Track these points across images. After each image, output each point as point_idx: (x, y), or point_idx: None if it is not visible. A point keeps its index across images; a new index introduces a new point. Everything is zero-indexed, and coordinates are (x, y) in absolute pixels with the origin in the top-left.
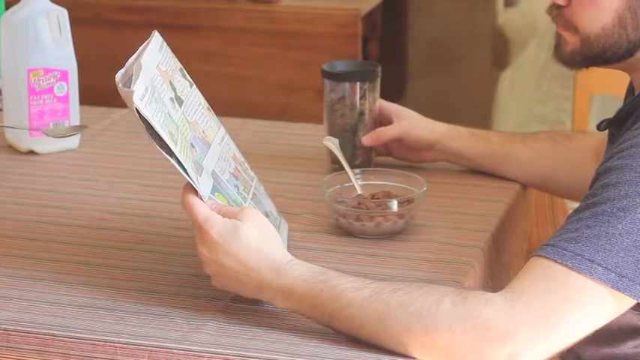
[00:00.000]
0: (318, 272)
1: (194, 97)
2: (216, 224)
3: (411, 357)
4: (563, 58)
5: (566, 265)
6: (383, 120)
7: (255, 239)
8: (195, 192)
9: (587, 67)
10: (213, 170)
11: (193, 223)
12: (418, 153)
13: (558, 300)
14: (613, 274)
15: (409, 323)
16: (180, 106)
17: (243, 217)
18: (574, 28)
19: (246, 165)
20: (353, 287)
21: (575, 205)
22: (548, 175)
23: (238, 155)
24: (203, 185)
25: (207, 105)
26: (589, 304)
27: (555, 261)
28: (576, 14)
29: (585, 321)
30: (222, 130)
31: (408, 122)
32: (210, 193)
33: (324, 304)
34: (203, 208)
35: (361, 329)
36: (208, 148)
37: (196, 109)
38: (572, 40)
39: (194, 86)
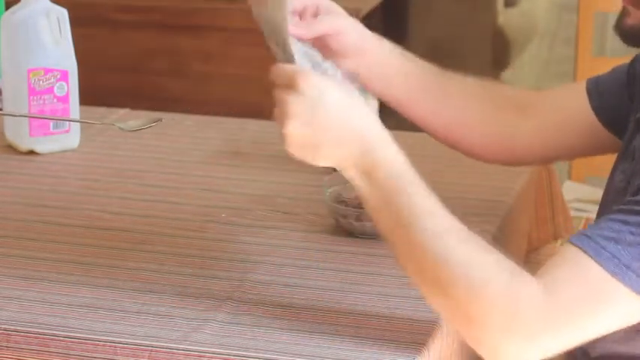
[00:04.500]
0: (409, 175)
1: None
2: (312, 75)
3: (441, 311)
4: (622, 31)
5: (602, 265)
6: (306, 14)
7: (354, 104)
8: None
9: None
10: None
11: (283, 80)
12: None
13: (588, 301)
14: None
15: (459, 280)
16: None
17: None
18: (638, 3)
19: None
20: (431, 212)
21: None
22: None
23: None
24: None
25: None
26: (617, 309)
27: (592, 257)
28: None
29: (609, 324)
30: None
31: (342, 21)
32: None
33: (399, 210)
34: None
35: (413, 258)
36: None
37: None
38: (635, 15)
39: None
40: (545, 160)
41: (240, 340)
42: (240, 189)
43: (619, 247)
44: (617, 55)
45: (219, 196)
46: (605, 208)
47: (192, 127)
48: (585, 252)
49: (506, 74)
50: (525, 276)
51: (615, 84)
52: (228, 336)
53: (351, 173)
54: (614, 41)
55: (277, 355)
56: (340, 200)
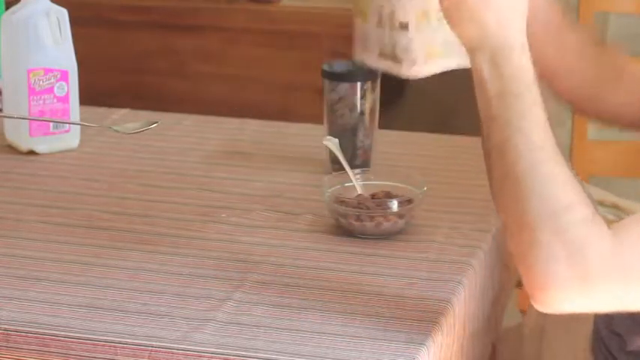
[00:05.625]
0: (531, 76)
1: None
2: None
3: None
4: None
5: None
6: None
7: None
8: None
9: None
10: None
11: None
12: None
13: None
14: None
15: (540, 212)
16: None
17: None
18: None
19: None
20: (539, 127)
21: None
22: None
23: None
24: None
25: None
26: None
27: None
28: None
29: None
30: None
31: None
32: None
33: (510, 108)
34: None
35: (505, 164)
36: None
37: None
38: None
39: None
40: None
41: (240, 340)
42: (240, 189)
43: None
44: None
45: (219, 196)
46: None
47: (192, 127)
48: None
49: None
50: (602, 226)
51: None
52: (228, 336)
53: (481, 56)
54: (614, 41)
55: (277, 355)
56: (340, 200)
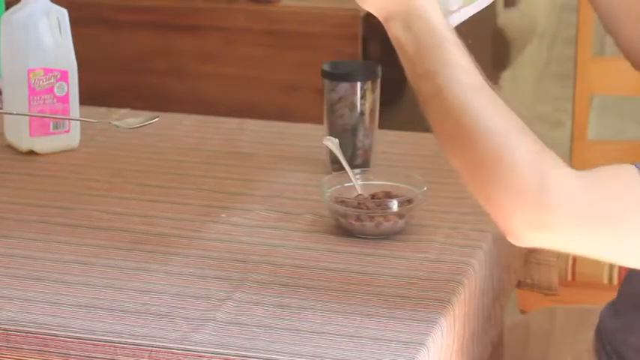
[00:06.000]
0: (446, 29)
1: None
2: None
3: (457, 165)
4: None
5: None
6: None
7: None
8: None
9: None
10: None
11: None
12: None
13: (621, 207)
14: None
15: (489, 139)
16: None
17: None
18: None
19: None
20: (465, 69)
21: None
22: None
23: None
24: None
25: None
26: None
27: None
28: None
29: (635, 248)
30: None
31: None
32: None
33: (433, 61)
34: None
35: (443, 110)
36: None
37: None
38: None
39: None
40: None
41: (240, 340)
42: (240, 189)
43: None
44: (617, 55)
45: (219, 196)
46: None
47: (192, 127)
48: (638, 168)
49: (506, 74)
50: (557, 158)
51: None
52: (228, 336)
53: (395, 23)
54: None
55: (277, 355)
56: (340, 200)
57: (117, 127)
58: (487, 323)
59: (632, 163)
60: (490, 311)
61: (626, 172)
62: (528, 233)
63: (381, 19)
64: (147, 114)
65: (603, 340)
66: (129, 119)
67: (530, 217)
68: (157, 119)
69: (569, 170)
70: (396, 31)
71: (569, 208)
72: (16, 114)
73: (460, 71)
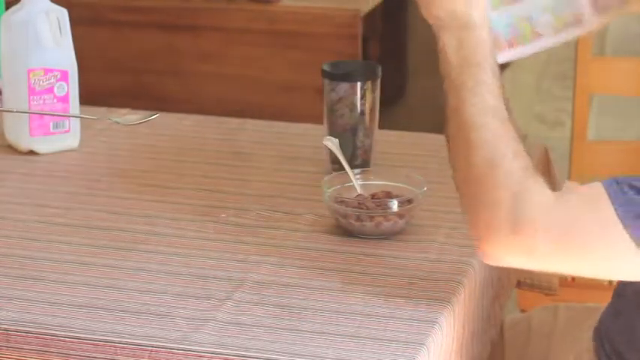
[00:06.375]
0: (490, 48)
1: None
2: None
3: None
4: None
5: (613, 205)
6: None
7: None
8: None
9: None
10: None
11: None
12: None
13: (589, 227)
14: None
15: (484, 159)
16: None
17: None
18: None
19: None
20: (490, 88)
21: None
22: None
23: None
24: None
25: None
26: (614, 251)
27: (609, 197)
28: None
29: (601, 262)
30: None
31: None
32: None
33: (465, 86)
34: None
35: (459, 122)
36: None
37: None
38: None
39: None
40: None
41: (240, 340)
42: (240, 189)
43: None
44: (617, 55)
45: (219, 196)
46: None
47: (192, 127)
48: (606, 190)
49: (506, 74)
50: (543, 183)
51: None
52: (228, 336)
53: (448, 34)
54: (614, 41)
55: (277, 355)
56: (340, 200)
57: (117, 123)
58: (487, 323)
59: (603, 181)
60: (490, 311)
61: (595, 192)
62: (502, 255)
63: (435, 27)
64: (147, 113)
65: (603, 339)
66: (129, 116)
67: (504, 240)
68: (157, 115)
69: (544, 195)
70: (447, 42)
71: (541, 232)
72: (16, 111)
73: (487, 92)
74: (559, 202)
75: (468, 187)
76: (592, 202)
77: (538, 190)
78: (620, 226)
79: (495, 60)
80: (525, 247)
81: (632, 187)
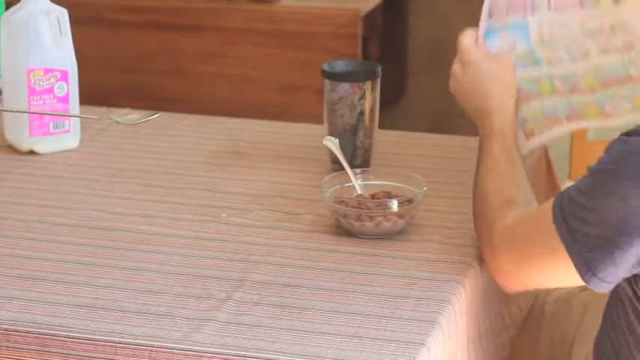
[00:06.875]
0: (508, 142)
1: None
2: (472, 51)
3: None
4: None
5: (555, 222)
6: None
7: (491, 76)
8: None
9: None
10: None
11: (459, 51)
12: None
13: (533, 243)
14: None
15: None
16: None
17: (495, 57)
18: None
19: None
20: (504, 149)
21: None
22: None
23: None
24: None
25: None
26: (556, 263)
27: (554, 212)
28: None
29: (550, 275)
30: None
31: None
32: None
33: (490, 157)
34: (470, 39)
35: (477, 178)
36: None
37: None
38: None
39: None
40: None
41: (240, 340)
42: (240, 189)
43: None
44: None
45: (219, 196)
46: None
47: (192, 127)
48: (554, 210)
49: None
50: (512, 210)
51: None
52: (228, 336)
53: (488, 122)
54: None
55: (277, 355)
56: (340, 200)
57: (117, 122)
58: (500, 323)
59: (556, 195)
60: (502, 311)
61: (544, 211)
62: (500, 279)
63: (474, 117)
64: (147, 113)
65: (606, 343)
66: (129, 116)
67: (491, 265)
68: (157, 115)
69: (511, 218)
70: (490, 128)
71: (503, 252)
72: (16, 111)
73: (503, 163)
74: (517, 221)
75: (475, 223)
76: (540, 220)
77: (502, 218)
78: (557, 236)
79: (516, 140)
80: (500, 268)
81: (570, 199)
